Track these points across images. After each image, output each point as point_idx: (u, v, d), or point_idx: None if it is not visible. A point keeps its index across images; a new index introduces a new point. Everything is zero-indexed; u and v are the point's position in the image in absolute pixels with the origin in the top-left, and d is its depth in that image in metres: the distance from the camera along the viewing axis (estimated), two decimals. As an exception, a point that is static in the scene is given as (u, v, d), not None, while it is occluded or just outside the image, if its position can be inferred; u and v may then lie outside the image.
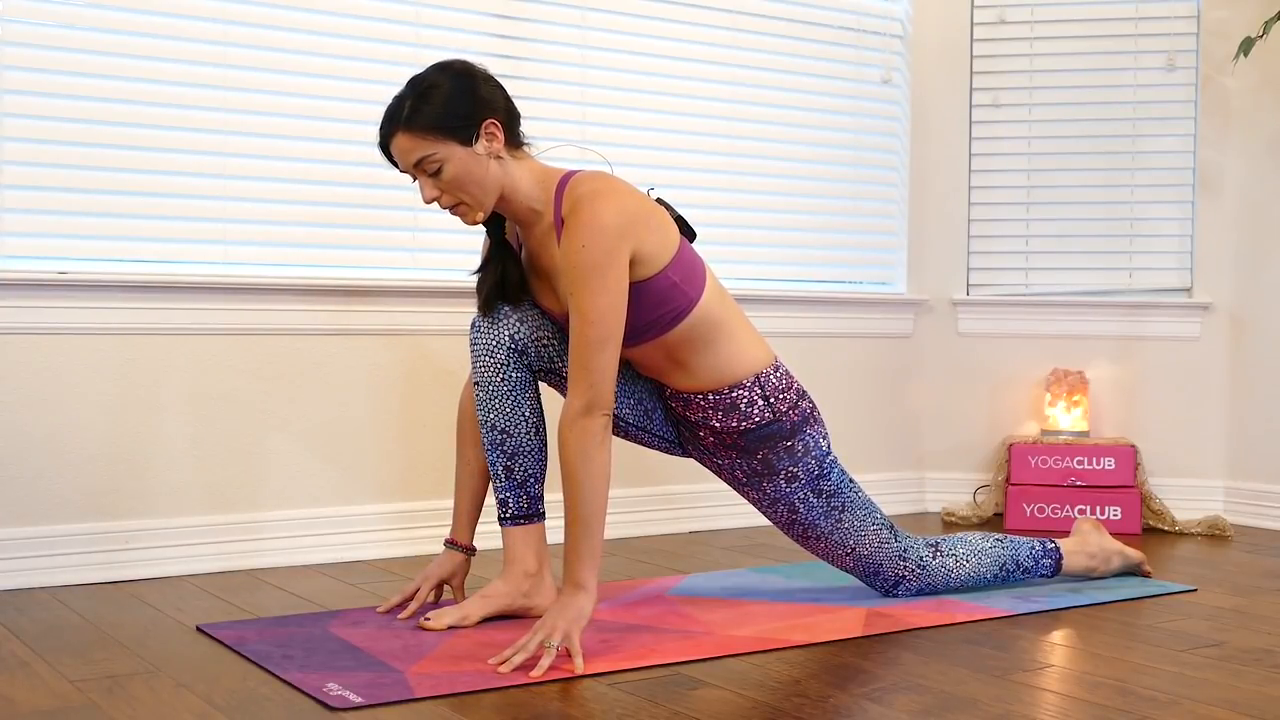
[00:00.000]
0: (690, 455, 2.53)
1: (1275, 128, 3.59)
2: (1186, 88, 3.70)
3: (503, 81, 2.27)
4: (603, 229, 2.11)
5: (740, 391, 2.35)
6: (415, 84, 2.20)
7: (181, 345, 2.80)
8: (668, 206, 2.33)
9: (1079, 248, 3.78)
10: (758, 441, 2.38)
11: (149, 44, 2.78)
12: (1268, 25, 3.37)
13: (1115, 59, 3.74)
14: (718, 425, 2.38)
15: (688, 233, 2.36)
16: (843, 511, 2.45)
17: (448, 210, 2.24)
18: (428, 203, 2.22)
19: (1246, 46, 3.40)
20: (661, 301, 2.23)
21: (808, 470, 2.41)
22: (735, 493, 2.61)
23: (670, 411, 2.47)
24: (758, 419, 2.36)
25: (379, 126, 2.22)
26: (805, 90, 3.67)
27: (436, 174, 2.19)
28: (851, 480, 2.47)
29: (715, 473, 2.51)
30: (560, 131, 3.23)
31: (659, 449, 2.52)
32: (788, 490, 2.42)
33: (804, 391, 2.43)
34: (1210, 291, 3.69)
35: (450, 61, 2.24)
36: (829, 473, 2.43)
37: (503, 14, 3.19)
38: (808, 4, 3.66)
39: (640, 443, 2.49)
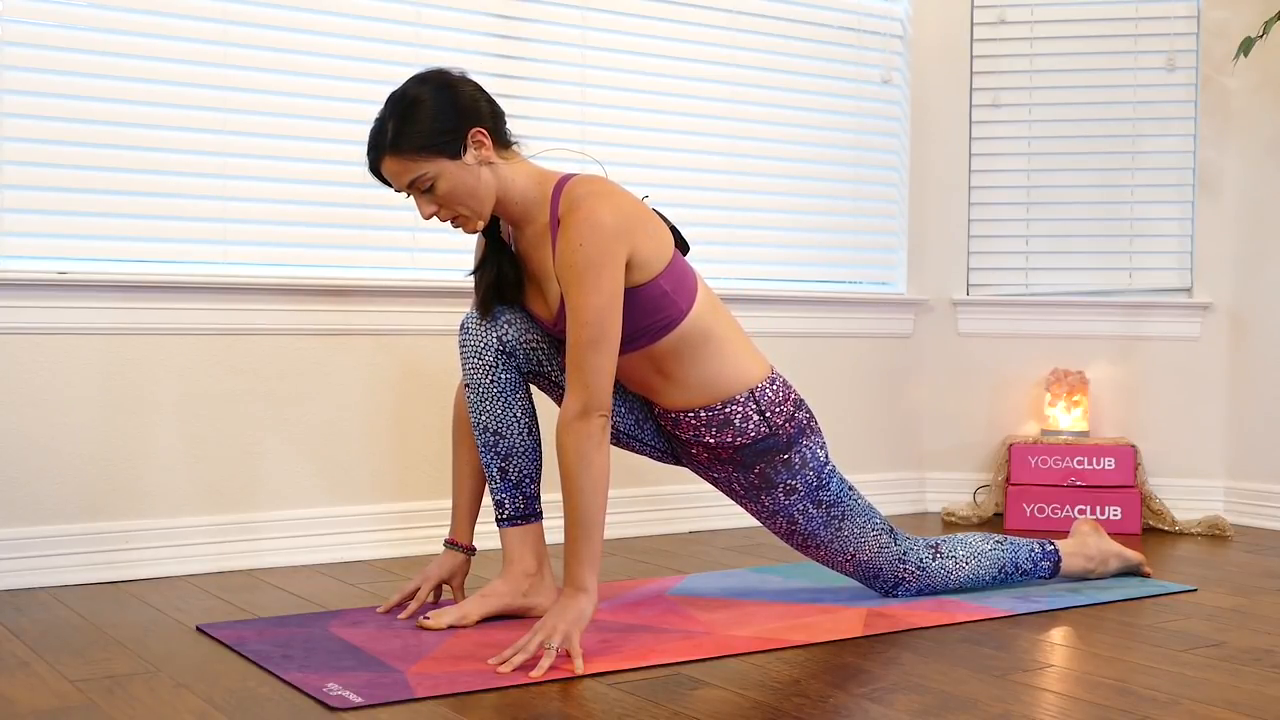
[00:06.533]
0: (684, 465, 2.53)
1: (1275, 128, 3.59)
2: (1186, 88, 3.70)
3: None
4: (600, 227, 2.11)
5: (734, 407, 2.34)
6: (395, 103, 2.18)
7: (181, 345, 2.80)
8: (662, 218, 2.32)
9: (1079, 248, 3.78)
10: (754, 456, 2.38)
11: (149, 44, 2.78)
12: (1268, 25, 3.37)
13: (1115, 59, 3.74)
14: (711, 441, 2.37)
15: (681, 245, 2.35)
16: (842, 520, 2.44)
17: (448, 223, 2.24)
18: (426, 219, 2.22)
19: (1246, 46, 3.40)
20: (652, 310, 2.23)
21: (806, 482, 2.41)
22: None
23: (661, 427, 2.46)
24: (753, 434, 2.36)
25: (366, 151, 2.21)
26: (805, 90, 3.67)
27: (430, 190, 2.18)
28: (850, 488, 2.47)
29: (712, 484, 2.51)
30: (560, 132, 3.23)
31: (652, 458, 2.51)
32: (786, 503, 2.42)
33: (801, 401, 2.42)
34: (1210, 291, 3.69)
35: (427, 73, 2.22)
36: (828, 483, 2.43)
37: (503, 14, 3.19)
38: (808, 4, 3.66)
39: (632, 450, 2.49)
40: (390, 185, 2.22)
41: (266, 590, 2.61)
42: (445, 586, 2.48)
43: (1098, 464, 3.51)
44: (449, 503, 2.69)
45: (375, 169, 2.21)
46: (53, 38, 2.68)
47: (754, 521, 3.40)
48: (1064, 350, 3.76)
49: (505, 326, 2.31)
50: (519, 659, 1.99)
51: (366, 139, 2.21)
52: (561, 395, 2.35)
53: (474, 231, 2.25)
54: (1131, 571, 2.78)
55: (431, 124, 2.15)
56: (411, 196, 2.22)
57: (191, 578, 2.75)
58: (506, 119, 2.27)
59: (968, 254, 3.83)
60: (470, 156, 2.18)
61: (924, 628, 2.30)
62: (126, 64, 2.76)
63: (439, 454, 3.08)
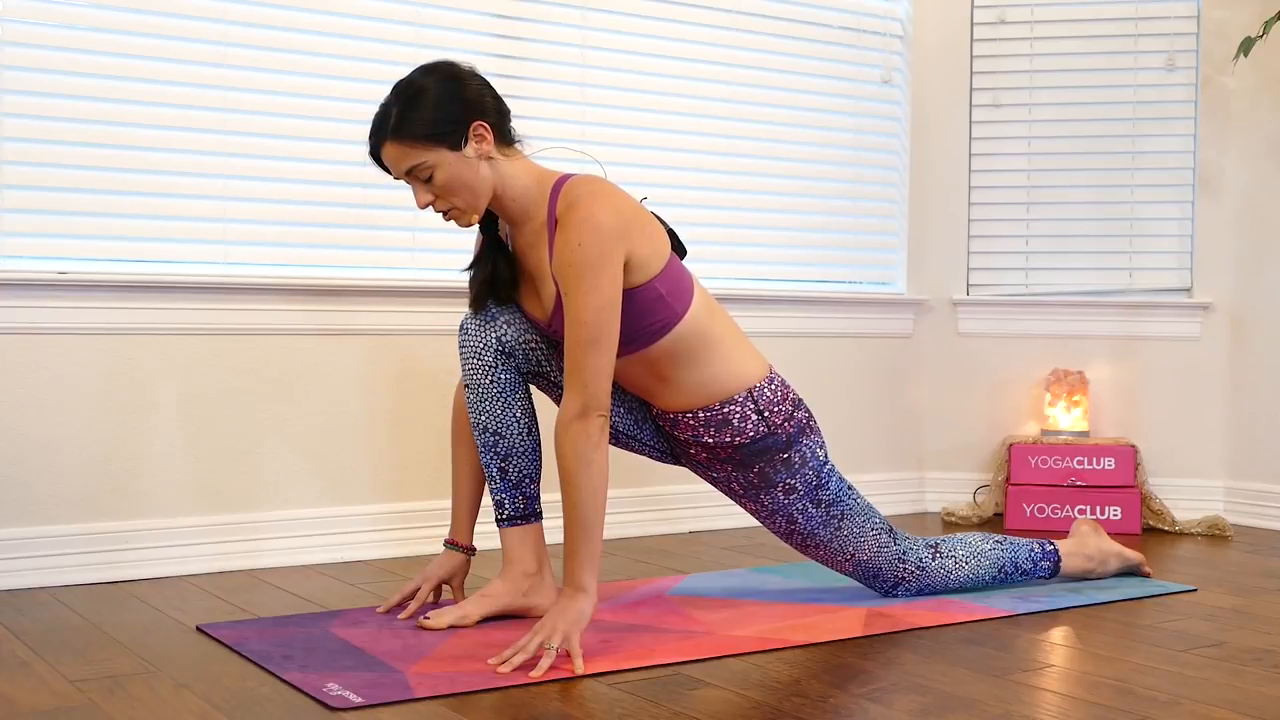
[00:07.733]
0: (683, 465, 2.53)
1: (1275, 128, 3.59)
2: (1186, 88, 3.70)
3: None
4: (599, 227, 2.11)
5: (732, 407, 2.34)
6: (400, 90, 2.19)
7: (180, 345, 2.80)
8: (660, 220, 2.33)
9: (1079, 248, 3.78)
10: (754, 455, 2.38)
11: (149, 44, 2.78)
12: (1268, 25, 3.37)
13: (1115, 59, 3.74)
14: (710, 441, 2.37)
15: (678, 249, 2.35)
16: (842, 519, 2.44)
17: (442, 214, 2.24)
18: (422, 208, 2.22)
19: (1246, 46, 3.40)
20: (647, 313, 2.22)
21: (805, 481, 2.41)
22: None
23: (660, 427, 2.46)
24: (752, 433, 2.36)
25: (368, 135, 2.21)
26: (805, 90, 3.67)
27: (428, 180, 2.19)
28: (850, 487, 2.47)
29: (711, 484, 2.51)
30: (560, 131, 3.23)
31: (651, 458, 2.51)
32: (786, 502, 2.42)
33: (800, 401, 2.42)
34: (1210, 291, 3.69)
35: (435, 64, 2.23)
36: (827, 482, 2.43)
37: (503, 14, 3.19)
38: (808, 4, 3.66)
39: (631, 450, 2.49)
40: (389, 172, 2.22)
41: (266, 590, 2.61)
42: (445, 586, 2.48)
43: (1098, 464, 3.51)
44: (448, 503, 2.70)
45: (375, 154, 2.22)
46: (53, 38, 2.68)
47: (754, 521, 3.40)
48: (1064, 350, 3.76)
49: (504, 327, 2.31)
50: (519, 659, 1.99)
51: (370, 125, 2.22)
52: (561, 395, 2.35)
53: (467, 225, 2.25)
54: (1131, 571, 2.78)
55: (434, 113, 2.15)
56: (410, 185, 2.22)
57: (191, 578, 2.75)
58: (512, 117, 2.27)
59: (968, 254, 3.83)
60: (470, 149, 2.18)
61: (924, 628, 2.30)
62: (126, 64, 2.76)
63: (438, 454, 3.08)
